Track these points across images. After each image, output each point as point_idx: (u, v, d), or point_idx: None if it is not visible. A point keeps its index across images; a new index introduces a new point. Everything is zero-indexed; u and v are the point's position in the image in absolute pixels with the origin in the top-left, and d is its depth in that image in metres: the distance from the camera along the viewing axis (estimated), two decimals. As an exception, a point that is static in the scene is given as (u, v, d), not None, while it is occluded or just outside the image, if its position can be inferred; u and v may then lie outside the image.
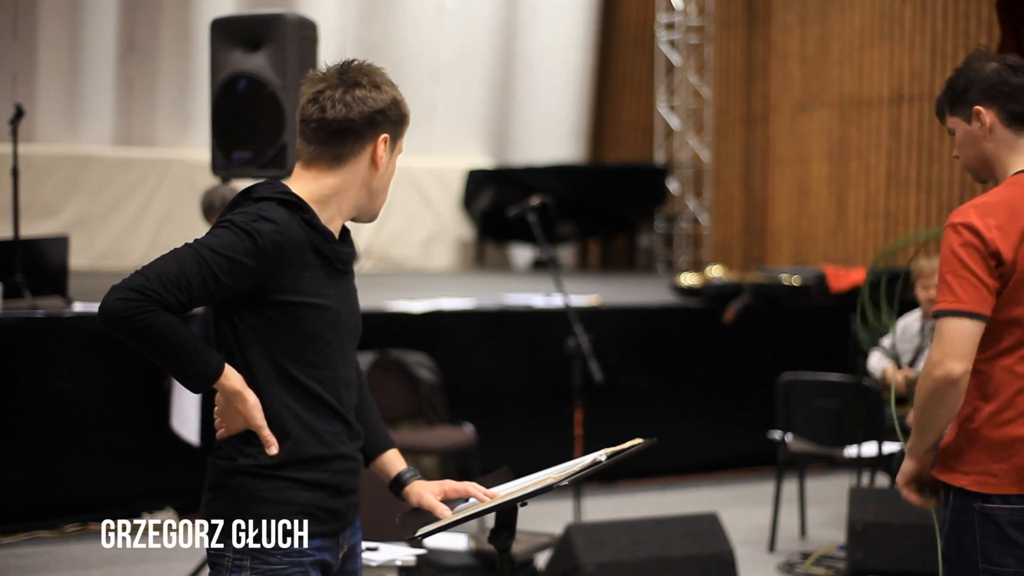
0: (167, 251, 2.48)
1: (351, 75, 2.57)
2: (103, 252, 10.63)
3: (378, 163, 2.59)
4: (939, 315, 2.95)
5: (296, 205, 2.52)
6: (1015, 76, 2.99)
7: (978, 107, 3.01)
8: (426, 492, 2.67)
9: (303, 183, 2.58)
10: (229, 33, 5.33)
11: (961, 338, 2.90)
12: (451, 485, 2.68)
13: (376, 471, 2.79)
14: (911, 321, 6.56)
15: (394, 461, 2.77)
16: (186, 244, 2.45)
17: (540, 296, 7.99)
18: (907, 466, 3.08)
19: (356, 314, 2.66)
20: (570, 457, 2.82)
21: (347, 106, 2.54)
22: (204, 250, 2.43)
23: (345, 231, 2.67)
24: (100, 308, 2.39)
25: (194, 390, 2.49)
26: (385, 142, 2.59)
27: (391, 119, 2.59)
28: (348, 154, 2.57)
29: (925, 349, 6.41)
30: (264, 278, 2.46)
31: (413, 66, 11.99)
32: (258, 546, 2.50)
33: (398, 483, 2.73)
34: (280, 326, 2.49)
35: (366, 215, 2.65)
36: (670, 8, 13.03)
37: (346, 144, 2.57)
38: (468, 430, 6.57)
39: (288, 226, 2.48)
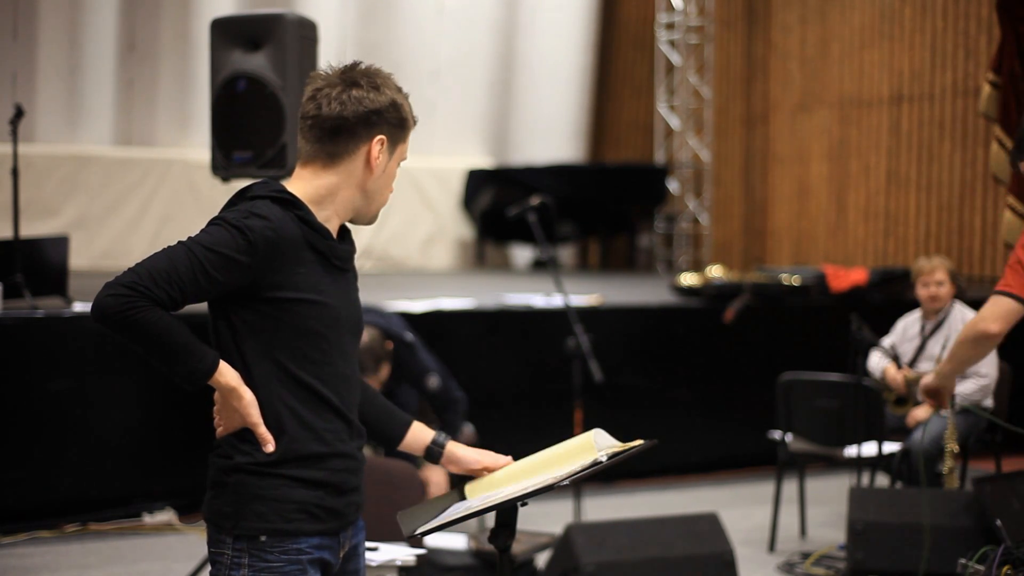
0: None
1: (352, 75, 2.58)
2: (103, 252, 10.64)
3: (372, 164, 2.58)
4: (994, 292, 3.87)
5: (290, 203, 2.52)
6: None
7: None
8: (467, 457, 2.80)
9: (300, 182, 2.59)
10: (229, 33, 5.34)
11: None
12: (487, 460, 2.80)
13: (407, 450, 2.84)
14: (911, 321, 6.56)
15: (419, 434, 2.82)
16: (179, 242, 2.46)
17: (540, 296, 7.99)
18: (930, 381, 4.23)
19: (357, 311, 2.67)
20: (570, 457, 2.82)
21: (342, 104, 2.55)
22: (196, 247, 2.43)
23: (344, 229, 2.67)
24: (92, 304, 2.40)
25: (189, 387, 2.49)
26: (381, 144, 2.58)
27: (388, 121, 2.58)
28: (342, 153, 2.57)
29: (925, 349, 6.41)
30: (258, 274, 2.47)
31: (413, 66, 11.99)
32: (256, 544, 2.50)
33: (432, 454, 2.81)
34: (276, 322, 2.50)
35: (362, 218, 2.65)
36: (670, 8, 13.03)
37: (340, 143, 2.57)
38: (468, 430, 6.56)
39: (281, 223, 2.48)
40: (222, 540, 2.53)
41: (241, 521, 2.50)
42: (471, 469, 2.79)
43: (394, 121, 2.59)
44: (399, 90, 2.62)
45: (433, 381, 5.89)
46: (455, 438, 5.98)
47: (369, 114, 2.56)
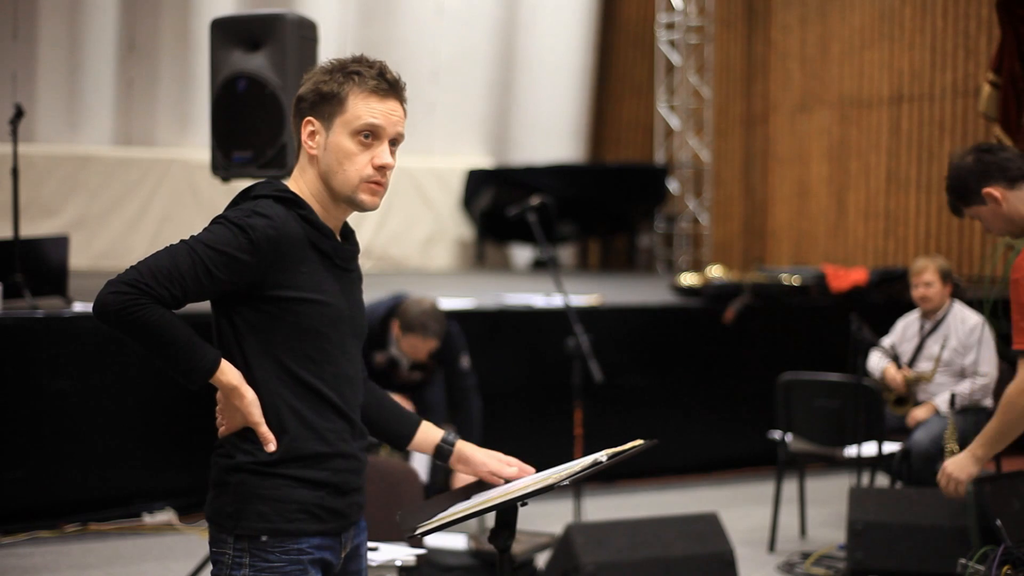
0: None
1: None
2: (103, 252, 10.64)
3: (307, 147, 2.57)
4: (1017, 354, 3.82)
5: (293, 202, 2.53)
6: (990, 155, 3.88)
7: (986, 189, 3.84)
8: (488, 463, 2.78)
9: (292, 182, 2.62)
10: (229, 33, 5.33)
11: None
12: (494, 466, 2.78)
13: (416, 449, 2.84)
14: (911, 321, 6.56)
15: (429, 433, 2.83)
16: (181, 240, 2.46)
17: (540, 296, 7.99)
18: (972, 468, 3.98)
19: (360, 311, 2.66)
20: (570, 457, 2.82)
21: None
22: (198, 245, 2.44)
23: (348, 229, 2.67)
24: (94, 302, 2.41)
25: (190, 385, 2.49)
26: (312, 124, 2.56)
27: (310, 101, 2.56)
28: (297, 146, 2.62)
29: (924, 348, 6.42)
30: (260, 273, 2.47)
31: (413, 66, 11.99)
32: (257, 544, 2.50)
33: (442, 453, 2.81)
34: (278, 322, 2.50)
35: (340, 198, 2.55)
36: (670, 8, 13.03)
37: (295, 137, 2.62)
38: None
39: (284, 222, 2.48)
40: (223, 540, 2.53)
41: (242, 521, 2.50)
42: (479, 472, 2.77)
43: (316, 100, 2.56)
44: (342, 70, 2.54)
45: (466, 361, 6.10)
46: (471, 430, 6.04)
47: (295, 106, 2.60)
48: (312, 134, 2.56)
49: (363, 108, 2.53)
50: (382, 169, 2.55)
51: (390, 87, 2.56)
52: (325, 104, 2.55)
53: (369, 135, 2.54)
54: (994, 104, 8.11)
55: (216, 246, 2.43)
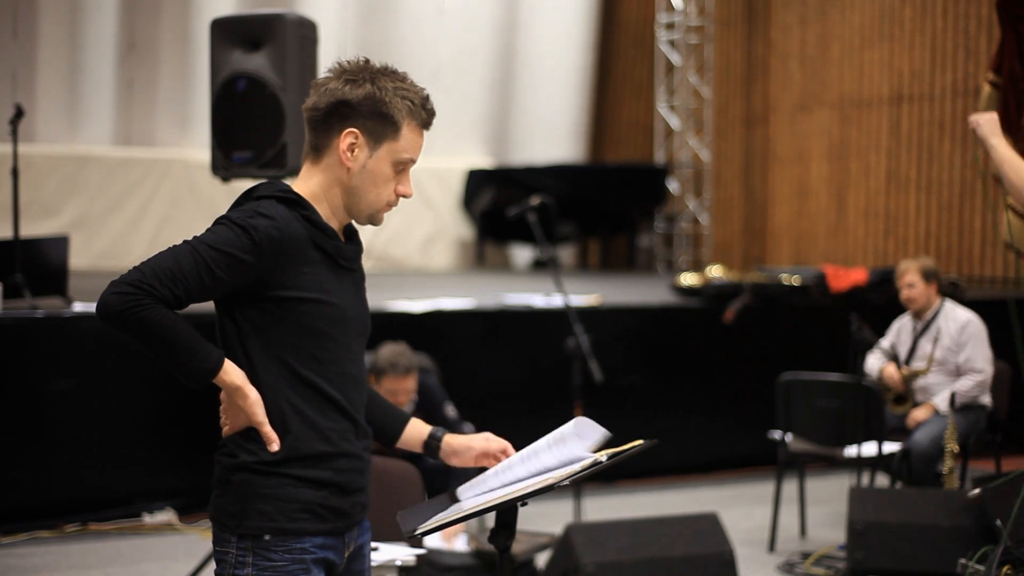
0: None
1: (343, 69, 2.56)
2: (103, 252, 10.65)
3: (343, 158, 2.54)
4: None
5: (295, 202, 2.52)
6: None
7: None
8: (473, 447, 2.76)
9: (300, 180, 2.60)
10: (229, 33, 5.33)
11: None
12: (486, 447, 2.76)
13: (404, 446, 2.83)
14: (905, 323, 6.57)
15: (417, 429, 2.81)
16: (184, 241, 2.47)
17: (540, 296, 7.99)
18: (991, 127, 4.06)
19: (364, 311, 2.66)
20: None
21: (319, 96, 2.55)
22: (201, 246, 2.44)
23: (351, 229, 2.67)
24: (97, 302, 2.41)
25: (194, 385, 2.49)
26: (354, 136, 2.53)
27: (361, 113, 2.53)
28: (322, 147, 2.56)
29: (917, 349, 6.42)
30: (262, 273, 2.47)
31: (413, 66, 11.88)
32: (260, 543, 2.50)
33: (430, 448, 2.79)
34: (281, 321, 2.50)
35: (358, 217, 2.60)
36: (670, 8, 13.03)
37: (318, 135, 2.56)
38: (468, 430, 6.56)
39: (286, 222, 2.48)
40: (227, 539, 2.53)
41: (245, 520, 2.50)
42: (470, 459, 2.77)
43: (370, 114, 2.53)
44: (396, 89, 2.55)
45: (451, 410, 5.99)
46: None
47: (337, 105, 2.52)
48: (352, 146, 2.54)
49: (410, 142, 2.61)
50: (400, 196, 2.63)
51: (429, 124, 2.65)
52: (379, 124, 2.54)
53: (403, 167, 2.61)
54: (994, 104, 8.09)
55: (219, 246, 2.43)
